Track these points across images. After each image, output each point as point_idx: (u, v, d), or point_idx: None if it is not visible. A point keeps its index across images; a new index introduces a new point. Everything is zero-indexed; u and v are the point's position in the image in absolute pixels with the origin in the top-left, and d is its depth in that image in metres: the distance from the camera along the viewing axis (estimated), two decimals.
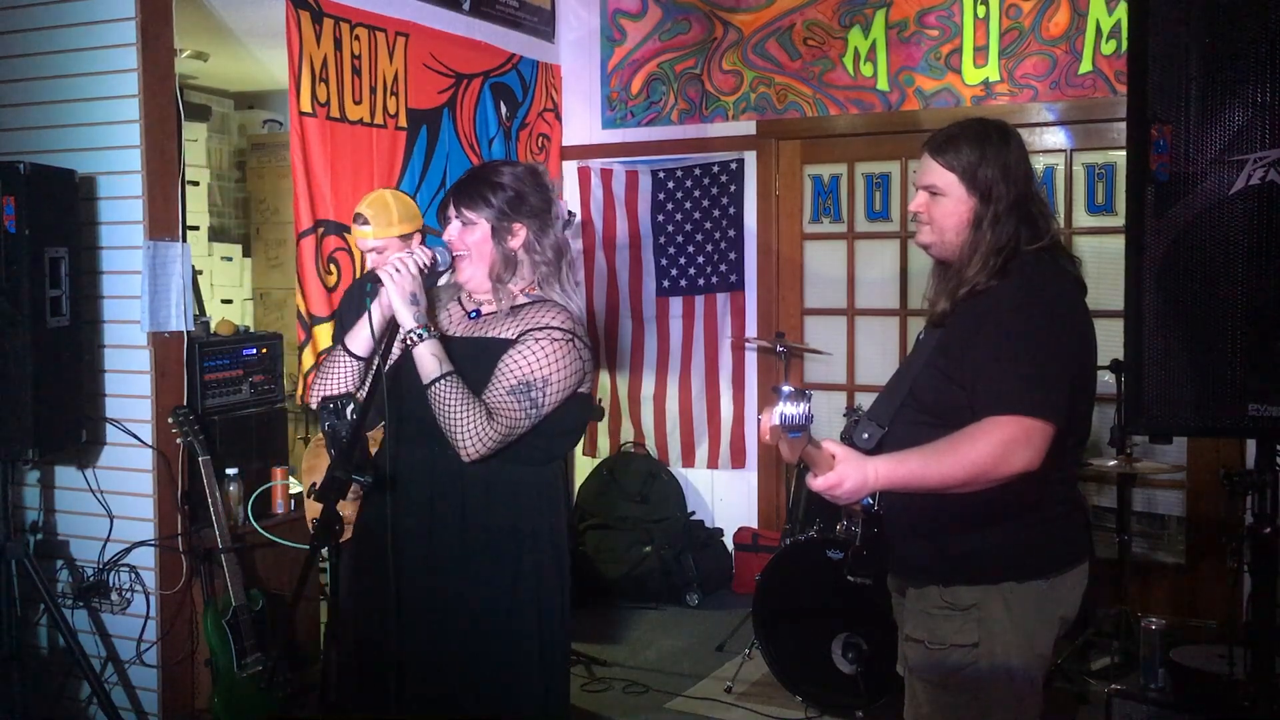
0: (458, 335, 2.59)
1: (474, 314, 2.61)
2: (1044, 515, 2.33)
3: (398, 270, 2.47)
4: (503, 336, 2.52)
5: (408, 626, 2.54)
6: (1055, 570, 2.34)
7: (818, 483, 2.13)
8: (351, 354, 2.60)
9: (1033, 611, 2.32)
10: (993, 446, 2.15)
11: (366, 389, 2.57)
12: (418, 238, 3.59)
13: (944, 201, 2.36)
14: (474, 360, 2.50)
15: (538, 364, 2.46)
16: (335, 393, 2.56)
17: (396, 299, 2.45)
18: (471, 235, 2.54)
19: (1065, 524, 2.39)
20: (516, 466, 2.53)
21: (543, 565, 2.58)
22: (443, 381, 2.41)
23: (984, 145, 2.34)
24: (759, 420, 2.17)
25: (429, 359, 2.43)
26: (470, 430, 2.40)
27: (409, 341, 2.45)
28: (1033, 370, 2.20)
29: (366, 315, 2.52)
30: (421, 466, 2.53)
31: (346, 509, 3.44)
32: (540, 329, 2.49)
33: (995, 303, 2.27)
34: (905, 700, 2.47)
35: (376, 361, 2.50)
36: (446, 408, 2.41)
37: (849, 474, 2.13)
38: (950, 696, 2.34)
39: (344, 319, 3.74)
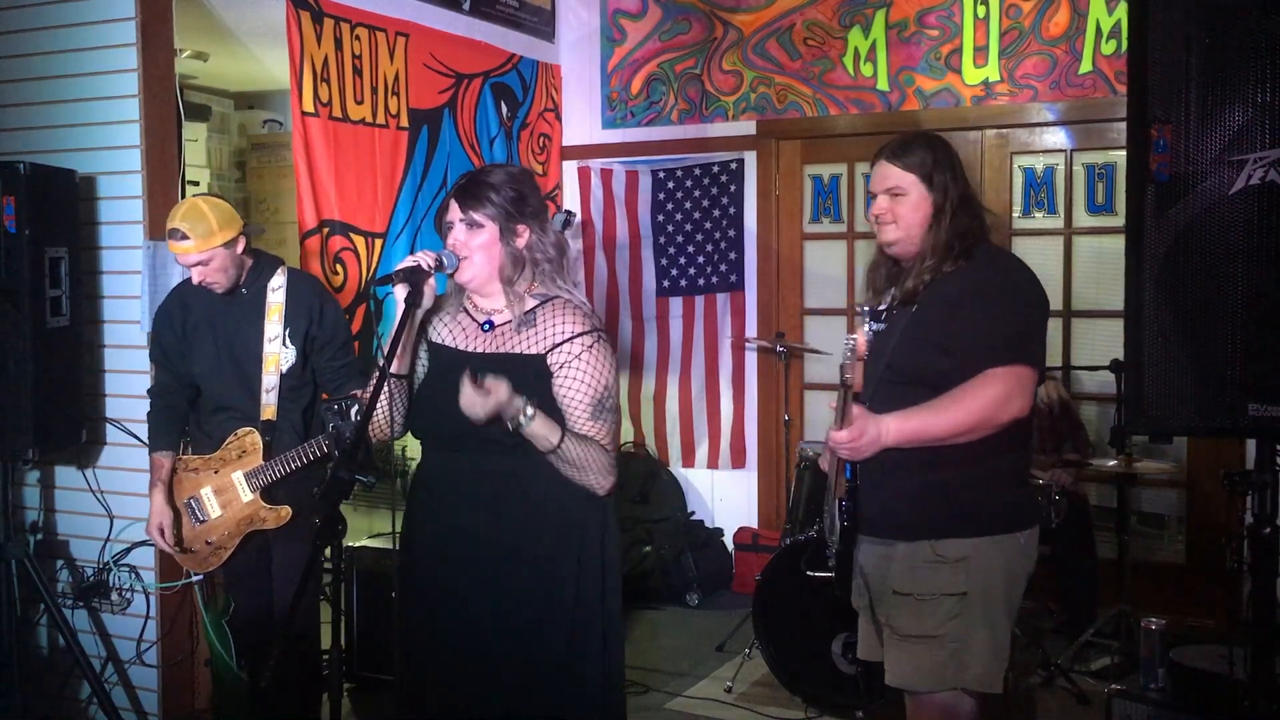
0: (478, 351, 2.59)
1: (487, 325, 2.61)
2: (1020, 477, 2.67)
3: (488, 397, 2.43)
4: (529, 353, 2.54)
5: (463, 626, 2.57)
6: (1027, 525, 2.63)
7: (840, 434, 2.40)
8: (395, 376, 2.58)
9: (1015, 563, 2.60)
10: (994, 394, 2.46)
11: (370, 389, 2.57)
12: (241, 241, 3.41)
13: (906, 201, 2.63)
14: (503, 375, 2.49)
15: (593, 377, 2.53)
16: (383, 417, 2.59)
17: (491, 411, 2.42)
18: (478, 238, 2.54)
19: (1028, 486, 2.77)
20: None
21: (605, 551, 2.62)
22: (564, 442, 2.47)
23: (935, 150, 2.65)
24: (853, 340, 2.38)
25: (541, 435, 2.46)
26: (599, 471, 2.52)
27: (516, 425, 2.44)
28: (1021, 327, 2.54)
29: (401, 325, 2.50)
30: (467, 471, 2.56)
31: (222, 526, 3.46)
32: (568, 341, 2.52)
33: (973, 279, 2.56)
34: (886, 666, 2.65)
35: (382, 363, 2.50)
36: (573, 465, 2.50)
37: (867, 428, 2.42)
38: (935, 647, 2.54)
39: (160, 336, 3.58)
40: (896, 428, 2.46)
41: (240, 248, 3.41)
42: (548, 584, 2.56)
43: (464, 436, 2.50)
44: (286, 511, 3.41)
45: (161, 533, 3.46)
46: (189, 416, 3.59)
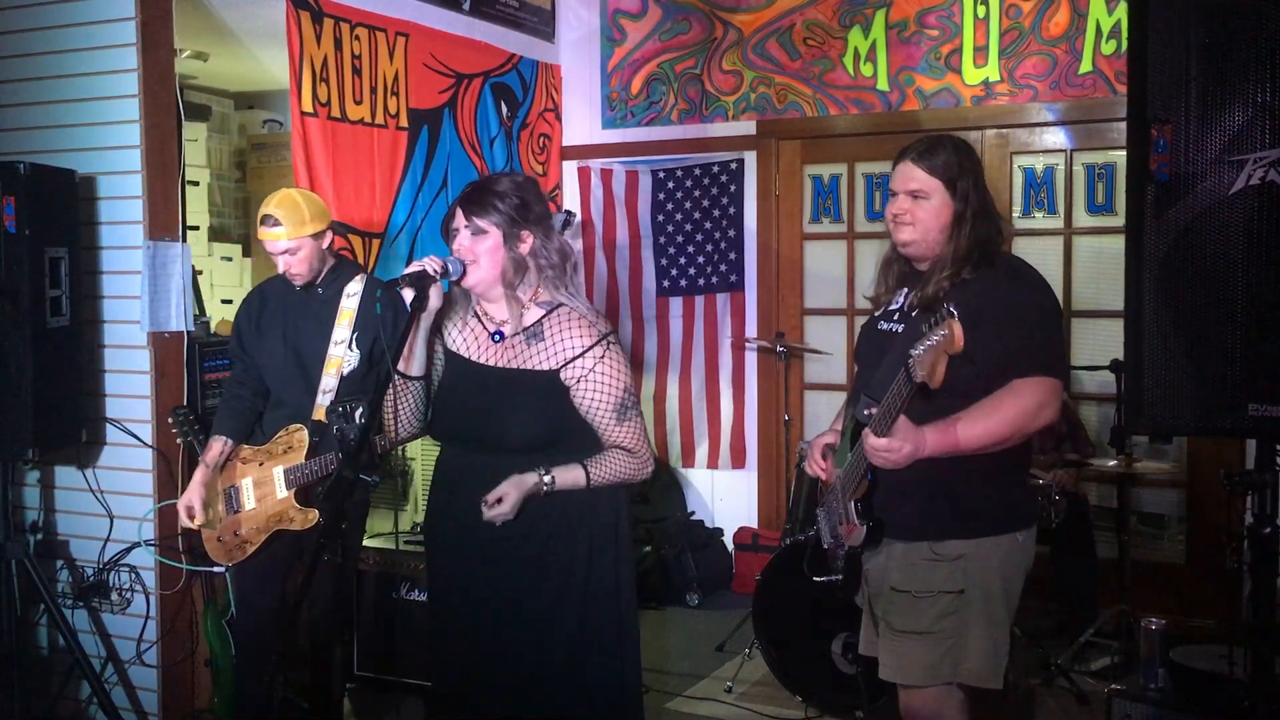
0: (490, 365, 2.65)
1: (497, 336, 2.67)
2: (1019, 478, 2.70)
3: (504, 506, 2.54)
4: (542, 369, 2.61)
5: (482, 622, 2.65)
6: (1025, 525, 2.66)
7: (879, 443, 2.39)
8: (407, 377, 2.65)
9: (1013, 561, 2.61)
10: (1026, 404, 2.47)
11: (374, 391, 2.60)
12: (329, 235, 3.50)
13: (927, 204, 2.62)
14: (515, 390, 2.60)
15: (611, 385, 2.62)
16: (398, 420, 2.66)
17: (516, 495, 2.54)
18: (483, 243, 2.61)
19: (1026, 486, 2.81)
20: (581, 455, 2.64)
21: (618, 547, 2.71)
22: (591, 478, 2.61)
23: (960, 156, 2.64)
24: (942, 335, 2.28)
25: (570, 484, 2.60)
26: (634, 472, 2.65)
27: (544, 488, 2.57)
28: (1048, 338, 2.57)
29: (408, 328, 2.57)
30: (486, 469, 2.60)
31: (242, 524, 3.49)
32: (581, 355, 2.60)
33: (997, 290, 2.55)
34: (881, 662, 2.68)
35: (385, 365, 2.54)
36: (609, 484, 2.64)
37: (908, 439, 2.40)
38: (930, 643, 2.57)
39: (238, 327, 3.65)
40: (935, 441, 2.44)
41: (326, 242, 3.49)
42: (560, 578, 2.63)
43: (480, 438, 2.59)
44: (314, 515, 3.40)
45: (190, 513, 3.51)
46: (257, 411, 3.62)
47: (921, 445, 2.42)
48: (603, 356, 2.61)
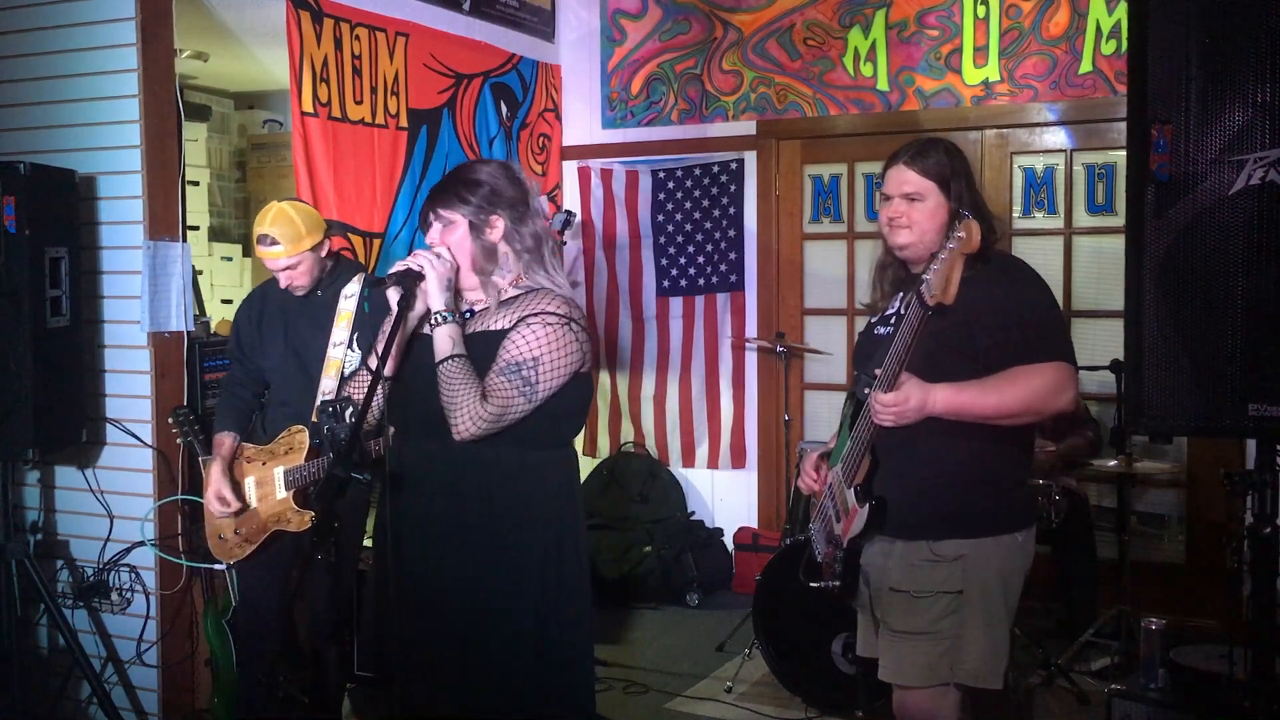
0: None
1: (468, 314, 2.65)
2: (1019, 478, 2.68)
3: (439, 257, 2.55)
4: (496, 329, 2.56)
5: (437, 617, 2.59)
6: (1025, 526, 2.66)
7: (887, 397, 2.43)
8: (386, 378, 2.59)
9: (1013, 561, 2.62)
10: (1047, 383, 2.49)
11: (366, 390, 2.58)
12: (327, 243, 3.52)
13: (922, 206, 2.64)
14: (476, 355, 2.53)
15: (527, 346, 2.51)
16: (378, 419, 2.60)
17: (434, 283, 2.53)
18: (452, 234, 2.60)
19: (1026, 486, 2.76)
20: (535, 451, 2.58)
21: (564, 543, 2.63)
22: (451, 361, 2.49)
23: (951, 156, 2.66)
24: (959, 239, 2.33)
25: (445, 340, 2.51)
26: (466, 409, 2.46)
27: (434, 321, 2.52)
28: (1055, 328, 2.60)
29: (395, 328, 2.53)
30: (439, 459, 2.56)
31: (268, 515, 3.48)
32: (535, 314, 2.55)
33: (996, 286, 2.54)
34: (879, 661, 2.67)
35: (376, 363, 2.51)
36: (449, 386, 2.48)
37: (913, 392, 2.43)
38: (929, 644, 2.57)
39: (238, 329, 3.66)
40: (945, 398, 2.46)
41: (324, 251, 3.51)
42: (513, 570, 2.57)
43: (435, 423, 2.51)
44: (311, 517, 3.40)
45: (224, 501, 3.47)
46: (255, 409, 3.64)
47: (929, 399, 2.44)
48: (550, 324, 2.51)
